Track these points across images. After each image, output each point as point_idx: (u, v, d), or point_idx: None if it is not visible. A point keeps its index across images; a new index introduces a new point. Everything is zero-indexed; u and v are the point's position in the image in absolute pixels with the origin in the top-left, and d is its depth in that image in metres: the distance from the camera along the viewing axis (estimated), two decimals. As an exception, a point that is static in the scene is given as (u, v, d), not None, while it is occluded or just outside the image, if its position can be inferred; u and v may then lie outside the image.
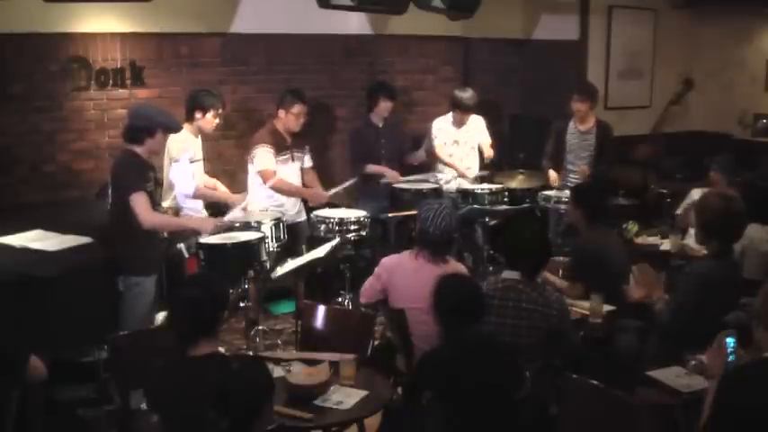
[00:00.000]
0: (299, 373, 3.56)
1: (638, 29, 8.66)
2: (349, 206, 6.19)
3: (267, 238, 5.21)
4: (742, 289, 3.90)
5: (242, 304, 5.45)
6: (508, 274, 3.91)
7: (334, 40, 7.04)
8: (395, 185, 6.46)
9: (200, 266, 4.93)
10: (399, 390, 3.94)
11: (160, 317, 4.64)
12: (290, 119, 5.86)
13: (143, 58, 6.08)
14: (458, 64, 7.90)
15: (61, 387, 4.39)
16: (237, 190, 5.91)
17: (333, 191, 6.08)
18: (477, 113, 6.83)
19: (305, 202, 6.16)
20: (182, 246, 4.91)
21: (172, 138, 4.89)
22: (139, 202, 4.45)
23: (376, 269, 4.29)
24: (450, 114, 6.77)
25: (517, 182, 6.75)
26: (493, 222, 6.40)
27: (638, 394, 3.42)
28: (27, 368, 3.36)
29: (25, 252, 4.48)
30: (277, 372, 3.53)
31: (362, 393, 3.49)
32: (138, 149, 4.59)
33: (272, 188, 5.80)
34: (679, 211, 6.02)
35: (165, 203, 5.21)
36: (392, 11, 5.91)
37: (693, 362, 3.53)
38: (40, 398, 3.66)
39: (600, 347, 4.13)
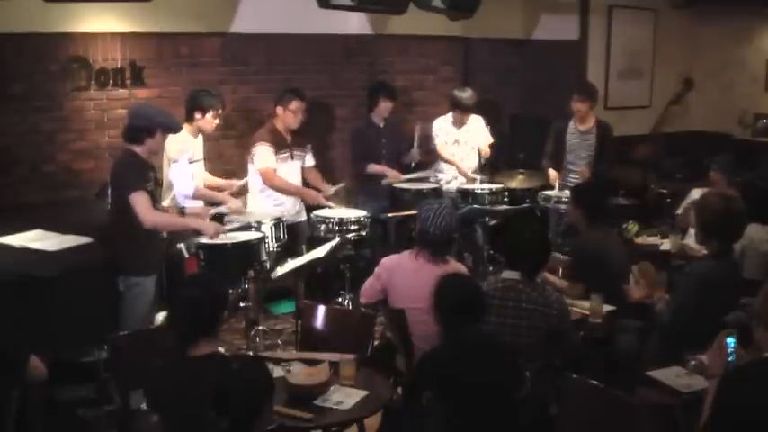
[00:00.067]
0: (299, 373, 3.56)
1: (638, 29, 8.66)
2: (349, 206, 6.18)
3: (267, 238, 5.22)
4: (742, 289, 3.91)
5: (242, 304, 5.45)
6: (508, 274, 3.91)
7: (334, 40, 7.04)
8: (395, 185, 6.46)
9: (200, 266, 4.93)
10: (399, 390, 3.93)
11: (160, 317, 4.64)
12: (288, 116, 5.86)
13: (143, 58, 6.08)
14: (458, 64, 7.90)
15: (61, 387, 4.39)
16: (238, 190, 5.92)
17: (331, 191, 6.07)
18: (477, 113, 6.83)
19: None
20: (182, 246, 4.91)
21: (170, 139, 4.88)
22: (140, 201, 4.45)
23: (376, 269, 4.29)
24: (451, 114, 6.78)
25: (517, 182, 6.75)
26: (493, 222, 6.41)
27: (638, 394, 3.42)
28: (27, 368, 3.36)
29: (25, 252, 4.48)
30: (277, 372, 3.53)
31: (362, 393, 3.49)
32: (138, 149, 4.59)
33: (271, 187, 5.81)
34: (679, 211, 6.02)
35: (165, 203, 5.20)
36: (392, 11, 5.91)
37: (693, 362, 3.53)
38: (40, 398, 3.67)
39: (600, 347, 4.13)
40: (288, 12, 6.54)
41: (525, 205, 6.58)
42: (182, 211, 5.23)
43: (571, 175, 6.63)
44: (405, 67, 7.54)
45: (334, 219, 5.77)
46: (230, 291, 4.87)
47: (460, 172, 6.73)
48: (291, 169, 6.01)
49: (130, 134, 4.61)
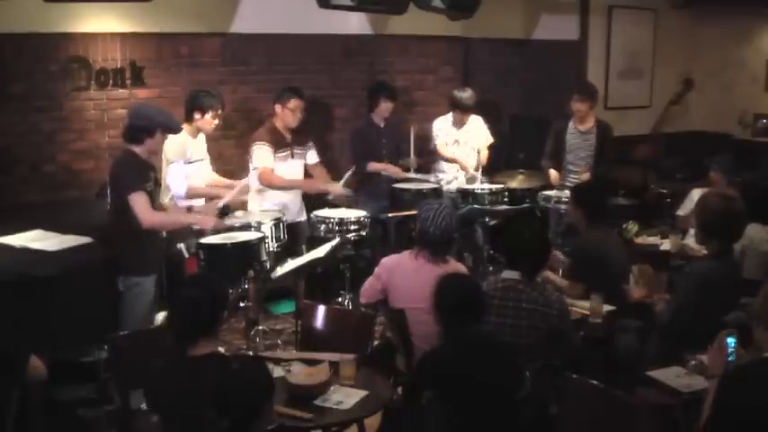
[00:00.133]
0: (299, 373, 3.56)
1: (638, 29, 8.66)
2: (349, 206, 6.18)
3: (267, 238, 5.21)
4: (742, 289, 3.91)
5: (242, 304, 5.45)
6: (508, 274, 3.91)
7: (334, 40, 7.04)
8: (395, 186, 6.46)
9: (200, 266, 4.93)
10: (399, 390, 3.93)
11: (160, 317, 4.64)
12: (286, 114, 5.86)
13: (143, 58, 6.08)
14: (458, 64, 7.90)
15: (61, 387, 4.39)
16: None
17: (341, 182, 6.09)
18: (477, 113, 6.83)
19: (308, 199, 6.15)
20: (182, 246, 4.91)
21: (168, 139, 4.88)
22: (138, 201, 4.45)
23: (376, 269, 4.29)
24: (450, 114, 6.78)
25: (517, 182, 6.74)
26: (493, 222, 6.40)
27: (638, 394, 3.42)
28: (27, 368, 3.36)
29: (25, 252, 4.48)
30: (277, 372, 3.53)
31: (362, 393, 3.49)
32: (138, 149, 4.59)
33: (270, 186, 5.82)
34: (680, 212, 6.02)
35: (165, 200, 5.21)
36: (392, 11, 5.91)
37: (693, 362, 3.53)
38: (40, 398, 3.66)
39: (600, 347, 4.13)
40: (288, 12, 6.54)
41: (525, 205, 6.57)
42: (189, 210, 5.23)
43: (571, 176, 6.63)
44: (405, 67, 7.54)
45: (334, 219, 5.77)
46: (230, 291, 4.86)
47: (462, 167, 6.72)
48: (292, 168, 6.01)
49: (130, 134, 4.61)
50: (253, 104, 6.66)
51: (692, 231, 5.39)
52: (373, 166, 6.53)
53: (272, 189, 5.88)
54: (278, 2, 6.54)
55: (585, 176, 6.45)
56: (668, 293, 4.13)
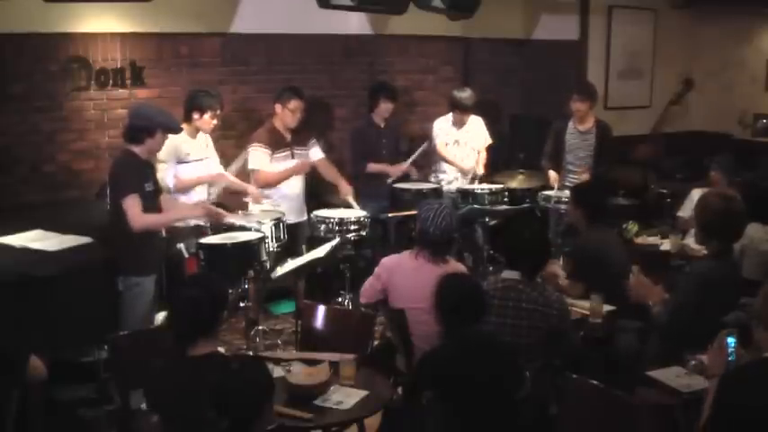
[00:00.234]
0: (299, 373, 3.56)
1: (638, 29, 8.66)
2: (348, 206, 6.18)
3: (267, 238, 5.21)
4: (742, 289, 3.91)
5: (242, 304, 5.46)
6: (508, 274, 3.91)
7: (334, 40, 7.04)
8: (395, 186, 6.46)
9: (200, 266, 4.93)
10: (399, 390, 3.94)
11: (160, 317, 4.64)
12: (286, 114, 5.86)
13: (143, 58, 6.08)
14: (458, 64, 7.90)
15: (61, 387, 4.40)
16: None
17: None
18: (477, 113, 6.83)
19: (315, 198, 6.17)
20: (182, 246, 4.91)
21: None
22: (130, 205, 4.45)
23: (376, 269, 4.29)
24: (451, 115, 6.78)
25: (517, 182, 6.75)
26: (493, 222, 6.41)
27: (638, 394, 3.42)
28: (27, 368, 3.36)
29: (25, 252, 4.48)
30: (277, 372, 3.54)
31: (362, 393, 3.49)
32: (138, 149, 4.59)
33: (266, 186, 5.82)
34: (681, 214, 6.01)
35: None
36: (392, 11, 5.90)
37: (693, 362, 3.53)
38: (40, 398, 3.66)
39: (600, 347, 4.13)
40: (288, 12, 6.54)
41: (525, 205, 6.57)
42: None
43: (570, 176, 6.63)
44: (405, 67, 7.54)
45: (334, 219, 5.77)
46: (230, 291, 4.86)
47: (460, 170, 6.73)
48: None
49: (130, 134, 4.61)
50: (253, 104, 6.66)
51: (692, 231, 5.38)
52: (373, 167, 6.53)
53: (271, 188, 5.87)
54: (278, 2, 6.54)
55: (585, 177, 6.45)
56: (668, 294, 4.12)
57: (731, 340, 2.93)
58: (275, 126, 5.92)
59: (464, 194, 6.47)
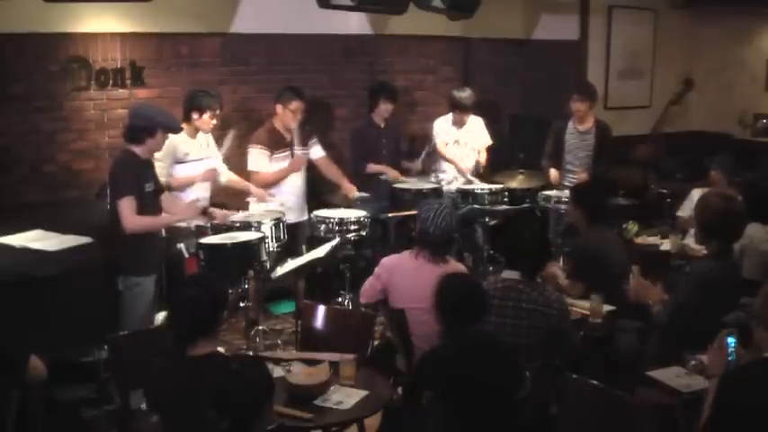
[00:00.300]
0: (299, 373, 3.56)
1: (638, 29, 8.66)
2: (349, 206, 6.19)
3: (267, 238, 5.22)
4: (742, 289, 3.91)
5: (242, 304, 5.45)
6: (508, 274, 3.92)
7: (334, 40, 7.04)
8: (395, 185, 6.46)
9: (200, 266, 4.93)
10: (399, 390, 3.94)
11: (160, 317, 4.64)
12: (287, 114, 5.86)
13: (143, 58, 6.08)
14: (458, 64, 7.90)
15: (61, 387, 4.39)
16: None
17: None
18: (477, 113, 6.83)
19: (316, 197, 6.17)
20: (182, 246, 4.91)
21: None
22: (124, 207, 4.45)
23: (376, 269, 4.29)
24: (451, 115, 6.78)
25: (517, 182, 6.75)
26: (493, 222, 6.41)
27: (638, 394, 3.42)
28: (27, 368, 3.36)
29: (25, 252, 4.48)
30: (277, 372, 3.54)
31: (362, 393, 3.49)
32: (138, 149, 4.59)
33: (265, 187, 5.81)
34: (681, 214, 6.01)
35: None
36: (392, 11, 5.90)
37: (693, 362, 3.53)
38: (40, 398, 3.66)
39: (600, 347, 4.13)
40: (288, 12, 6.54)
41: (525, 205, 6.57)
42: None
43: (570, 176, 6.63)
44: (405, 67, 7.54)
45: (334, 219, 5.77)
46: (230, 291, 4.86)
47: (459, 171, 6.73)
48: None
49: (131, 134, 4.62)
50: (253, 104, 6.66)
51: (691, 231, 5.38)
52: (372, 167, 6.53)
53: (271, 188, 5.87)
54: (278, 2, 6.54)
55: (583, 177, 6.45)
56: (667, 294, 4.12)
57: (731, 340, 2.93)
58: (275, 126, 5.92)
59: (464, 194, 6.47)
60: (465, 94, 6.67)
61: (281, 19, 6.58)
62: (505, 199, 6.48)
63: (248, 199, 5.88)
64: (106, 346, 4.07)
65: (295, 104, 5.85)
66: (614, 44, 8.51)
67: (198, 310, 2.99)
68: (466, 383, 3.29)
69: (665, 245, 5.72)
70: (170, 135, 4.93)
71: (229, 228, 5.22)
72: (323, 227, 5.77)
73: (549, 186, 6.67)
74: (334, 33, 6.94)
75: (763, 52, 8.75)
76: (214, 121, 5.53)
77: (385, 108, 6.55)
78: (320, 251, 4.91)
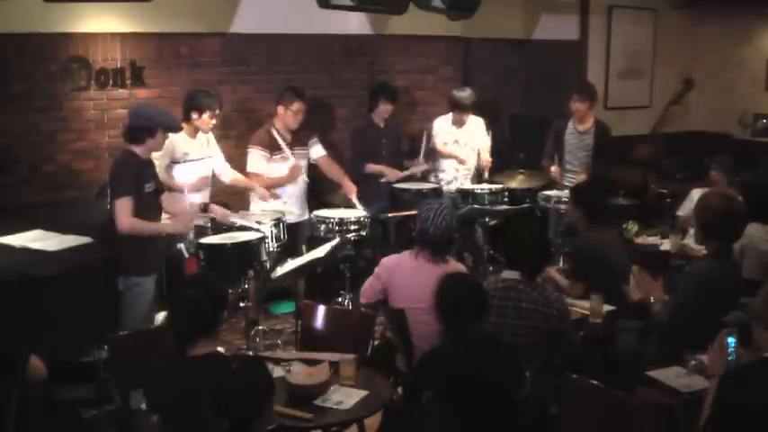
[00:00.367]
0: (299, 373, 3.56)
1: (638, 29, 8.66)
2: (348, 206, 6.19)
3: (267, 238, 5.22)
4: (742, 289, 3.91)
5: (242, 304, 5.45)
6: (508, 274, 3.92)
7: (334, 40, 7.04)
8: (395, 185, 6.46)
9: (200, 266, 4.93)
10: (399, 390, 3.93)
11: (160, 317, 4.64)
12: (288, 115, 5.87)
13: (143, 58, 6.08)
14: (458, 64, 7.90)
15: (61, 387, 4.39)
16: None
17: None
18: (477, 114, 6.83)
19: (316, 197, 6.16)
20: (182, 246, 4.91)
21: None
22: (120, 207, 4.45)
23: (376, 269, 4.29)
24: (450, 114, 6.78)
25: (517, 182, 6.75)
26: (493, 222, 6.41)
27: (638, 394, 3.42)
28: (27, 368, 3.36)
29: (25, 252, 4.48)
30: (277, 372, 3.54)
31: (362, 393, 3.49)
32: (138, 149, 4.59)
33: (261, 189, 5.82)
34: (680, 213, 6.01)
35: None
36: (392, 11, 5.90)
37: (693, 362, 3.54)
38: (40, 398, 3.66)
39: (600, 347, 4.13)
40: (288, 12, 6.54)
41: (525, 205, 6.58)
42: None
43: (570, 175, 6.63)
44: (405, 67, 7.54)
45: (334, 219, 5.77)
46: (230, 291, 4.86)
47: (459, 161, 6.72)
48: (292, 167, 6.02)
49: (131, 134, 4.62)
50: (253, 104, 6.66)
51: (691, 231, 5.38)
52: (371, 167, 6.53)
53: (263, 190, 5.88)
54: (278, 2, 6.54)
55: (582, 177, 6.45)
56: (667, 294, 4.12)
57: (731, 340, 2.93)
58: (275, 127, 5.92)
59: (464, 194, 6.47)
60: (465, 94, 6.67)
61: (281, 19, 6.58)
62: (505, 199, 6.49)
63: (251, 195, 5.88)
64: (106, 346, 4.08)
65: (296, 105, 5.85)
66: (614, 44, 8.50)
67: (198, 310, 2.99)
68: (466, 383, 3.29)
69: (665, 245, 5.72)
70: (170, 134, 4.94)
71: (229, 228, 5.22)
72: (323, 227, 5.77)
73: (549, 186, 6.67)
74: (334, 33, 6.94)
75: (763, 52, 8.75)
76: (214, 121, 5.53)
77: (385, 109, 6.55)
78: (320, 251, 4.92)
